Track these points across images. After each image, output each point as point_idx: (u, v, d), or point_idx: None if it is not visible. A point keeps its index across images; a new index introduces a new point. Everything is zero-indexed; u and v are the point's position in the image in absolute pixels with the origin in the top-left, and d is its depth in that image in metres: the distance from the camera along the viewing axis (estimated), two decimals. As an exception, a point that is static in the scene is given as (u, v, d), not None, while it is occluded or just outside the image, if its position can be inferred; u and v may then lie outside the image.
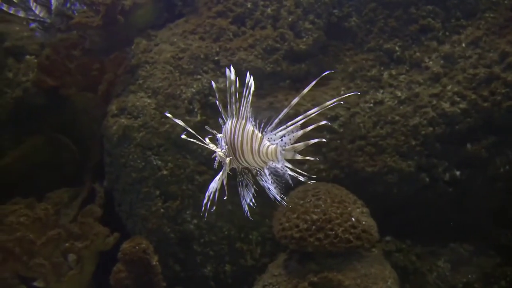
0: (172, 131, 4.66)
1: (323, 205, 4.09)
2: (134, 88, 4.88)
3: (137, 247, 4.35)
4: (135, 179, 4.70)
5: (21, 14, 4.37)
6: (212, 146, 2.52)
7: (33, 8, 4.29)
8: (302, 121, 2.35)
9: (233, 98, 2.42)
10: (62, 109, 5.38)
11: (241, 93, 2.40)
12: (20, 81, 5.29)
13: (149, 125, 4.67)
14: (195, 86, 4.71)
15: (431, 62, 4.66)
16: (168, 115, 2.50)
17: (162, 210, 4.62)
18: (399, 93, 4.64)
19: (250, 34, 4.93)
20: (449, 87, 4.50)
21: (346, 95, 2.40)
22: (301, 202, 4.16)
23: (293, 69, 4.89)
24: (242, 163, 2.48)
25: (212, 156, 2.55)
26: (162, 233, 4.63)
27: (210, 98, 4.65)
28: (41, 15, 4.34)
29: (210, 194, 2.54)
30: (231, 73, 2.41)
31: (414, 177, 4.49)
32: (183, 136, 2.47)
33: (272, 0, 4.97)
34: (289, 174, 2.37)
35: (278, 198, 2.48)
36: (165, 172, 4.60)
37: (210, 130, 2.54)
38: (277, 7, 4.94)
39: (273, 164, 2.39)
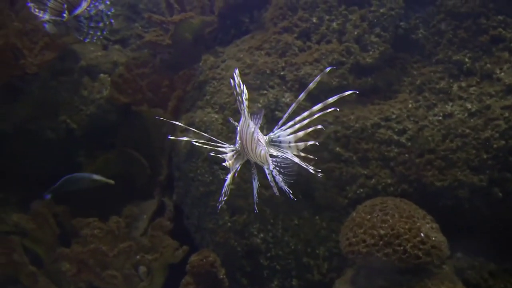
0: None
1: (390, 220, 4.02)
2: (202, 103, 4.98)
3: (204, 260, 4.42)
4: (203, 193, 4.78)
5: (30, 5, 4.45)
6: (221, 147, 2.73)
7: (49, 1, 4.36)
8: (307, 120, 2.51)
9: (239, 99, 2.58)
10: (133, 125, 5.55)
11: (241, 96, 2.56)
12: (94, 98, 5.50)
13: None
14: (261, 101, 4.76)
15: (502, 74, 4.52)
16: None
17: (229, 224, 4.67)
18: (469, 106, 4.53)
19: (316, 49, 4.94)
20: (522, 99, 4.36)
21: (346, 93, 2.48)
22: (368, 217, 4.11)
23: (360, 83, 4.85)
24: (251, 159, 2.65)
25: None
26: (229, 246, 4.67)
27: (277, 113, 4.69)
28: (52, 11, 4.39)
29: (226, 190, 2.79)
30: (236, 77, 2.56)
31: (486, 192, 4.36)
32: (196, 143, 2.67)
33: (337, 14, 4.97)
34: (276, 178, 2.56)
35: (276, 190, 2.66)
36: (231, 186, 4.64)
37: (233, 122, 2.72)
38: (343, 21, 4.94)
39: (283, 155, 2.55)
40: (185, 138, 2.82)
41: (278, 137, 2.58)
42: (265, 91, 4.83)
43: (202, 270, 4.45)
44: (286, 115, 2.52)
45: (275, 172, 2.54)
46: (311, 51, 4.95)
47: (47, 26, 4.40)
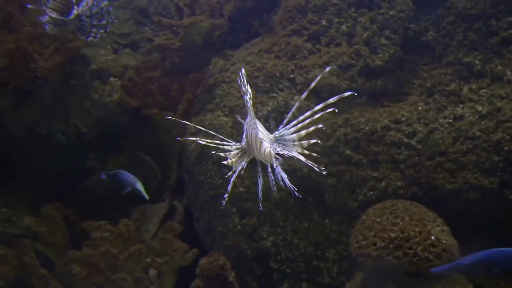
0: (248, 149, 4.72)
1: (401, 223, 4.00)
2: (212, 107, 4.99)
3: (214, 263, 4.42)
4: (213, 196, 4.78)
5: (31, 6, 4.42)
6: (227, 146, 2.80)
7: (49, 1, 4.35)
8: (309, 120, 2.61)
9: (245, 98, 2.64)
10: (143, 128, 5.57)
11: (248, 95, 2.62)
12: (105, 102, 5.53)
13: (226, 143, 4.75)
14: (270, 104, 4.76)
15: (513, 75, 4.51)
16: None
17: (239, 227, 4.67)
18: (480, 108, 4.50)
19: (325, 51, 4.93)
20: (533, 101, 4.33)
21: (344, 95, 2.56)
22: (379, 219, 4.09)
23: (369, 85, 4.85)
24: (256, 157, 2.71)
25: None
26: (239, 249, 4.67)
27: (285, 115, 4.68)
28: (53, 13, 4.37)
29: (229, 190, 2.83)
30: (243, 76, 2.63)
31: (497, 195, 4.33)
32: (201, 142, 2.74)
33: (347, 17, 4.96)
34: (281, 175, 2.64)
35: (275, 189, 2.74)
36: (241, 189, 4.65)
37: (240, 120, 2.79)
38: (352, 24, 4.93)
39: (289, 154, 2.64)
40: (193, 138, 2.87)
41: (283, 135, 2.65)
42: (274, 94, 4.83)
43: (212, 273, 4.46)
44: (290, 114, 2.60)
45: (280, 169, 2.60)
46: (320, 54, 4.94)
47: (47, 27, 4.40)
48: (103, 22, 4.51)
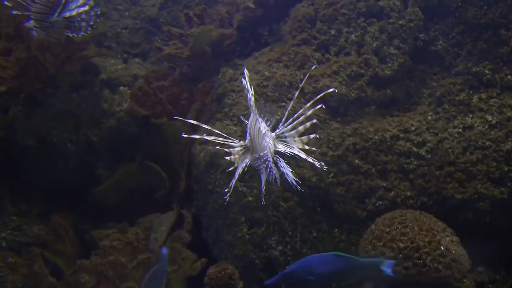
0: (257, 158, 4.71)
1: (410, 233, 3.99)
2: (221, 116, 5.00)
3: (223, 272, 4.40)
4: (221, 205, 4.77)
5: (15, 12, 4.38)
6: (231, 143, 2.92)
7: (31, 5, 4.31)
8: (302, 117, 2.83)
9: (248, 96, 2.78)
10: (153, 137, 5.58)
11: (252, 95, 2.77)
12: (115, 111, 5.54)
13: (235, 152, 4.75)
14: (279, 113, 4.76)
15: (523, 85, 4.50)
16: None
17: (247, 236, 4.66)
18: (489, 118, 4.49)
19: (334, 61, 4.93)
20: (544, 110, 4.32)
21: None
22: (388, 229, 4.08)
23: (378, 95, 4.84)
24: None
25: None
26: (248, 259, 4.66)
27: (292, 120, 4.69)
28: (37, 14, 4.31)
29: (231, 186, 2.97)
30: (246, 76, 2.76)
31: (507, 205, 4.31)
32: (207, 138, 2.89)
33: (356, 26, 4.97)
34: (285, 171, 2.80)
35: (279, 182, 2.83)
36: (250, 199, 4.65)
37: (244, 120, 2.92)
38: (361, 33, 4.93)
39: (291, 152, 2.78)
40: (198, 136, 2.95)
41: (283, 133, 2.80)
42: (283, 103, 4.84)
43: (220, 282, 4.44)
44: (287, 112, 2.79)
45: (284, 164, 2.72)
46: (329, 63, 4.95)
47: (34, 32, 4.38)
48: (92, 13, 4.48)
